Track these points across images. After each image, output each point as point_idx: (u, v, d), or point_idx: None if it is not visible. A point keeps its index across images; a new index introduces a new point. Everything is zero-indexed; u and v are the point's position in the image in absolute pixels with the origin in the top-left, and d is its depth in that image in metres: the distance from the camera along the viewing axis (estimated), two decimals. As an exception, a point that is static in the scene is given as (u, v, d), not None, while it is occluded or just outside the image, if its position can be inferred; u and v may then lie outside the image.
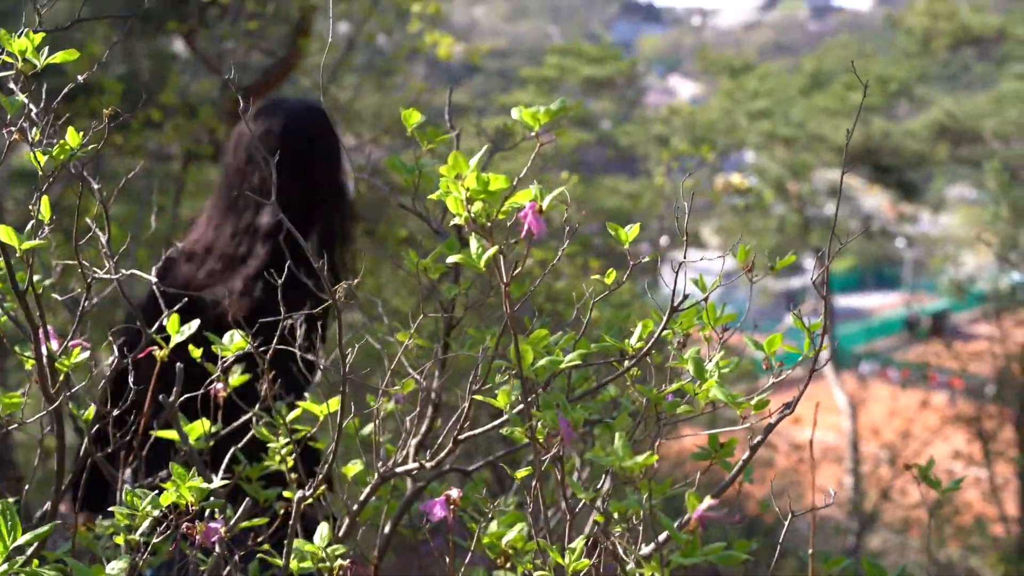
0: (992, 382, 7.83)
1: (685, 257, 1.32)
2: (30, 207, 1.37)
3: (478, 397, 1.35)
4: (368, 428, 1.76)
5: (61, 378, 1.42)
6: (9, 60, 1.30)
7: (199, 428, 1.61)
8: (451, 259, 1.19)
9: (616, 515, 1.23)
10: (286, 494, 1.61)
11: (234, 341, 1.63)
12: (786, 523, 1.33)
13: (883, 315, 31.75)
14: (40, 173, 1.33)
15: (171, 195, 7.58)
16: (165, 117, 6.55)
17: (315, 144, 2.31)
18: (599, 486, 1.32)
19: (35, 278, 1.37)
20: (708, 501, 1.07)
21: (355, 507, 1.62)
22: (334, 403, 1.54)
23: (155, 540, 1.28)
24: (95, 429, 1.51)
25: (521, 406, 1.27)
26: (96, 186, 1.42)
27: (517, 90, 21.26)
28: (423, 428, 1.79)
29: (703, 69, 20.26)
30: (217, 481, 1.34)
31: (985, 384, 8.23)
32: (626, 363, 1.39)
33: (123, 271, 1.47)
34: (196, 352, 1.65)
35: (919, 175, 17.43)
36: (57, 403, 1.39)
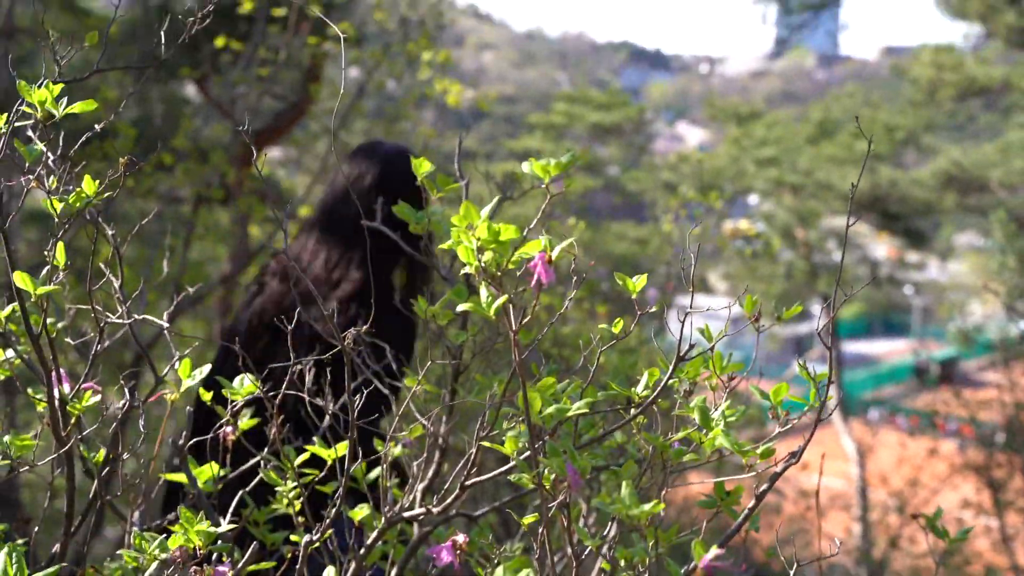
0: (1002, 430, 7.79)
1: (692, 306, 1.33)
2: (45, 252, 1.39)
3: (485, 443, 1.36)
4: (375, 472, 1.77)
5: (72, 420, 1.44)
6: (29, 110, 1.33)
7: (208, 472, 1.61)
8: (461, 308, 1.20)
9: (623, 562, 1.23)
10: (293, 538, 1.61)
11: (245, 385, 1.65)
12: (792, 572, 1.33)
13: (891, 362, 31.66)
14: (56, 219, 1.35)
15: (181, 238, 7.62)
16: (176, 160, 6.61)
17: (407, 187, 2.42)
18: (605, 533, 1.33)
19: (48, 321, 1.39)
20: (715, 550, 1.08)
21: (361, 552, 1.62)
22: (341, 447, 1.55)
23: (163, 584, 1.28)
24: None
25: (528, 453, 1.28)
26: (110, 231, 1.44)
27: (525, 136, 21.40)
28: (430, 473, 1.79)
29: (710, 117, 20.39)
30: (225, 523, 1.35)
31: (995, 432, 8.19)
32: (632, 411, 1.40)
33: (135, 315, 1.49)
34: (206, 395, 1.68)
35: (927, 223, 17.45)
36: (68, 445, 1.41)
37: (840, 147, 15.79)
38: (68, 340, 1.80)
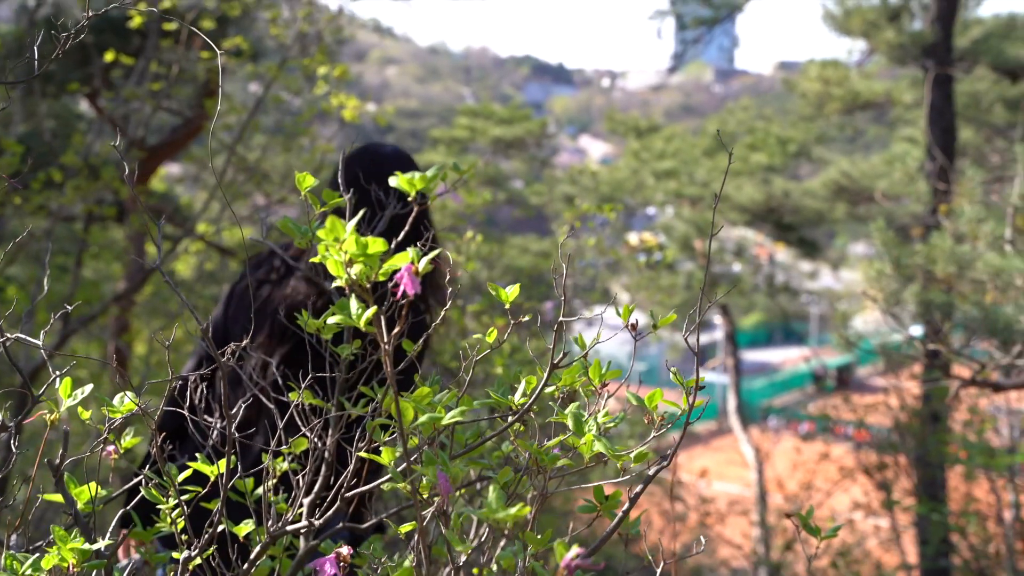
0: (891, 433, 8.05)
1: (561, 314, 1.37)
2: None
3: (363, 454, 1.38)
4: (261, 489, 1.76)
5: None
6: None
7: (86, 493, 1.60)
8: (331, 320, 1.22)
9: (495, 567, 1.26)
10: (175, 555, 1.60)
11: (125, 403, 1.64)
12: (659, 570, 1.37)
13: (791, 369, 32.37)
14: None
15: (73, 256, 7.47)
16: (66, 178, 6.48)
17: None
18: (480, 538, 1.36)
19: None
20: (575, 550, 1.12)
21: (245, 567, 1.62)
22: (222, 464, 1.55)
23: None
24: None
25: (404, 463, 1.30)
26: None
27: (429, 150, 21.39)
28: (316, 486, 1.80)
29: (611, 130, 20.64)
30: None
31: (885, 435, 8.45)
32: (509, 419, 1.43)
33: (8, 335, 1.48)
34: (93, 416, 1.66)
35: (821, 233, 17.91)
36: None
37: (736, 159, 16.13)
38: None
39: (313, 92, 7.28)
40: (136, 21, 6.35)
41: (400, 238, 1.27)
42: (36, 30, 6.67)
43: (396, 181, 1.19)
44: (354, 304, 1.19)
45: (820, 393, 26.15)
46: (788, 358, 34.90)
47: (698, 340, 1.41)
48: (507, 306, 1.37)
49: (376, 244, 1.14)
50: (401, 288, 1.15)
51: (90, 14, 1.55)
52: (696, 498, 10.06)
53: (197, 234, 7.90)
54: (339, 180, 2.51)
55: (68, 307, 1.79)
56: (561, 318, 1.38)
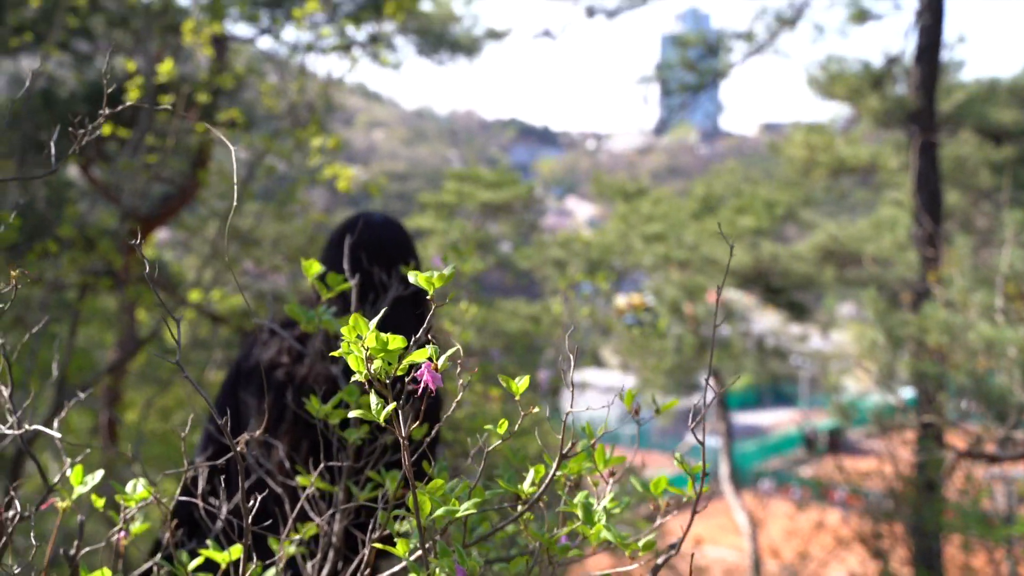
0: (886, 499, 8.01)
1: (572, 405, 1.39)
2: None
3: (378, 545, 1.39)
4: (271, 573, 1.77)
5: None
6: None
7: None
8: (352, 414, 1.25)
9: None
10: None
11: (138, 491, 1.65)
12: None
13: (781, 432, 32.29)
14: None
15: (67, 324, 7.47)
16: (61, 249, 6.50)
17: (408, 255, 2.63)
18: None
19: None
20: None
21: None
22: (236, 551, 1.56)
23: None
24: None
25: (419, 553, 1.32)
26: None
27: (417, 214, 21.50)
28: (324, 573, 1.81)
29: (597, 193, 20.79)
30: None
31: (879, 502, 8.42)
32: (520, 507, 1.45)
33: (26, 426, 1.49)
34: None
35: (810, 295, 18.00)
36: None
37: (723, 222, 16.27)
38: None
39: (307, 163, 7.35)
40: (133, 95, 6.42)
41: (417, 334, 1.30)
42: (36, 102, 6.74)
43: (414, 279, 1.23)
44: (373, 399, 1.22)
45: (811, 456, 26.10)
46: (778, 420, 34.84)
47: (704, 434, 1.43)
48: (517, 398, 1.39)
49: (395, 341, 1.17)
50: (422, 385, 1.18)
51: (107, 111, 1.59)
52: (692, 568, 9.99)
53: (191, 302, 7.91)
54: (333, 253, 2.55)
55: (80, 392, 1.81)
56: (570, 409, 1.40)
